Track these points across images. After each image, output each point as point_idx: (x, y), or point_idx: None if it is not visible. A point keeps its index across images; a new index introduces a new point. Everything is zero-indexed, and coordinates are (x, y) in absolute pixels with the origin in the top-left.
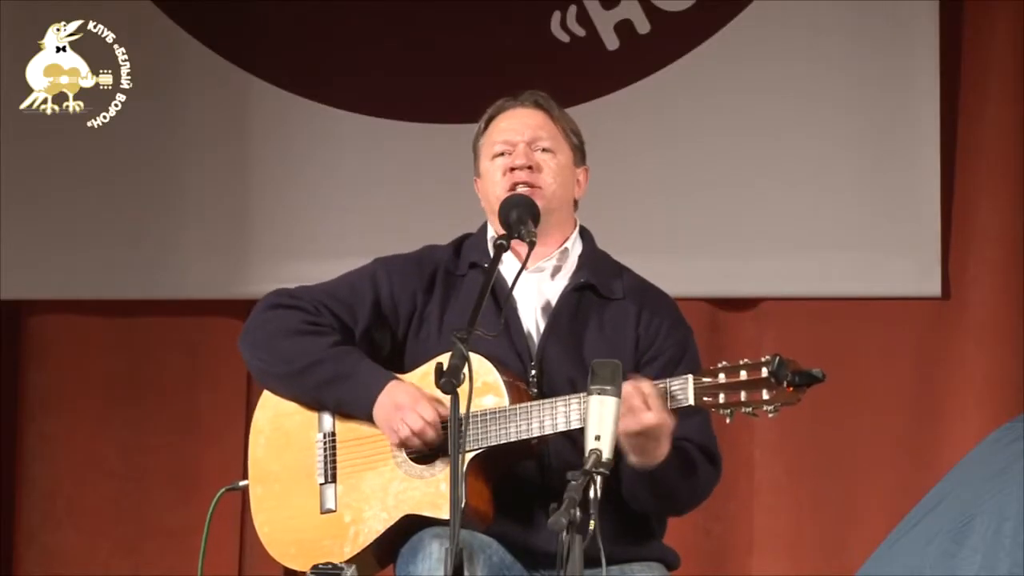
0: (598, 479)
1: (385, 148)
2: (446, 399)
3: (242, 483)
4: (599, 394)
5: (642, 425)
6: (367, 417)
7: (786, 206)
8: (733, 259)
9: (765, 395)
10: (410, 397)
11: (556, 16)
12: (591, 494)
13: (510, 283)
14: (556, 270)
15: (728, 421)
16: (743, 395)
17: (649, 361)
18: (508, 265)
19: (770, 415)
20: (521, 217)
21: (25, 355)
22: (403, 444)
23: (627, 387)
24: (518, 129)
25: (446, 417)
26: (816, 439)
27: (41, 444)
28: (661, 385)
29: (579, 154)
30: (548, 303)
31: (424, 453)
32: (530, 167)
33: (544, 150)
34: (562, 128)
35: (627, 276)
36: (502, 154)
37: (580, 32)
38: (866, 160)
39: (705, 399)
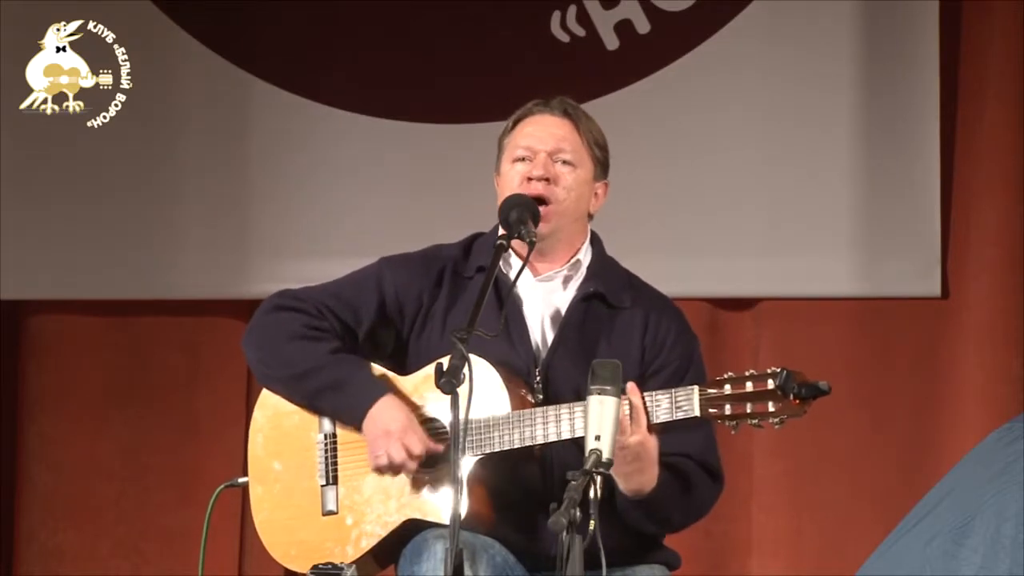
0: (598, 479)
1: (385, 148)
2: (444, 412)
3: (241, 480)
4: (599, 394)
5: (634, 442)
6: (358, 428)
7: (786, 206)
8: (733, 259)
9: (771, 407)
10: (399, 425)
11: (556, 16)
12: (591, 494)
13: (517, 286)
14: (566, 279)
15: (733, 433)
16: (749, 407)
17: (655, 372)
18: (515, 269)
19: (776, 427)
20: (521, 217)
21: (25, 355)
22: (378, 470)
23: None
24: (542, 138)
25: (433, 451)
26: (816, 439)
27: (41, 444)
28: (664, 395)
29: (600, 168)
30: (557, 312)
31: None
32: (547, 179)
33: (564, 162)
34: (587, 141)
35: (635, 285)
36: (523, 159)
37: (580, 32)
38: (866, 160)
39: (711, 410)
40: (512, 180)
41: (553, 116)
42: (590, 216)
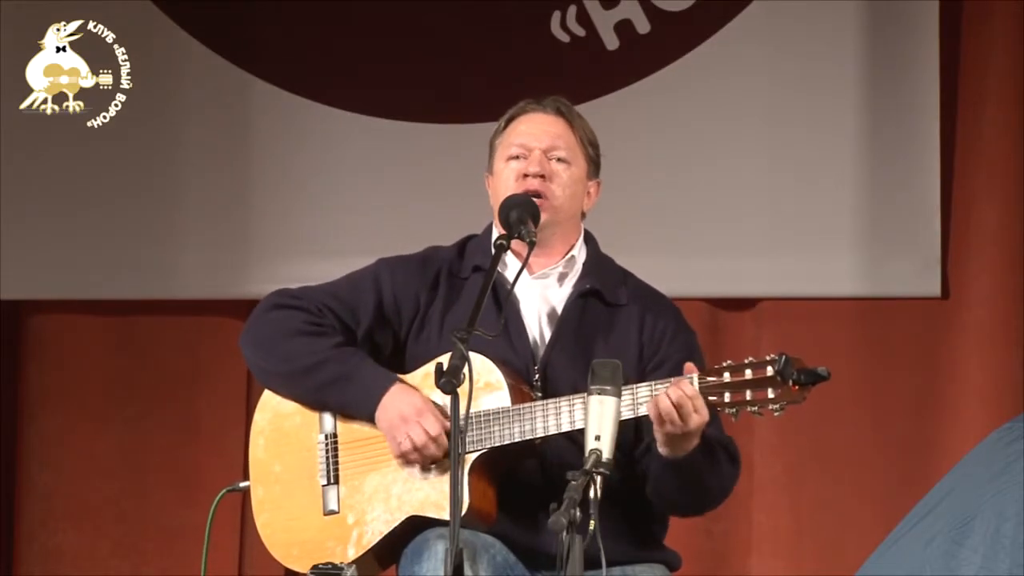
0: (598, 479)
1: (385, 148)
2: (445, 408)
3: (243, 484)
4: (599, 394)
5: (690, 428)
6: (369, 419)
7: (786, 206)
8: (733, 259)
9: (771, 394)
10: (414, 408)
11: (556, 16)
12: (591, 494)
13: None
14: (562, 277)
15: (734, 420)
16: (748, 394)
17: (655, 368)
18: (512, 268)
19: (776, 414)
20: (521, 217)
21: (25, 355)
22: (403, 456)
23: (676, 396)
24: (537, 135)
25: (448, 428)
26: (816, 439)
27: (41, 444)
28: (664, 384)
29: (593, 166)
30: (553, 310)
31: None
32: (543, 176)
33: (559, 160)
34: (580, 139)
35: (631, 282)
36: (517, 157)
37: (580, 32)
38: (866, 160)
39: (711, 398)
40: (507, 178)
41: (546, 114)
42: (583, 215)
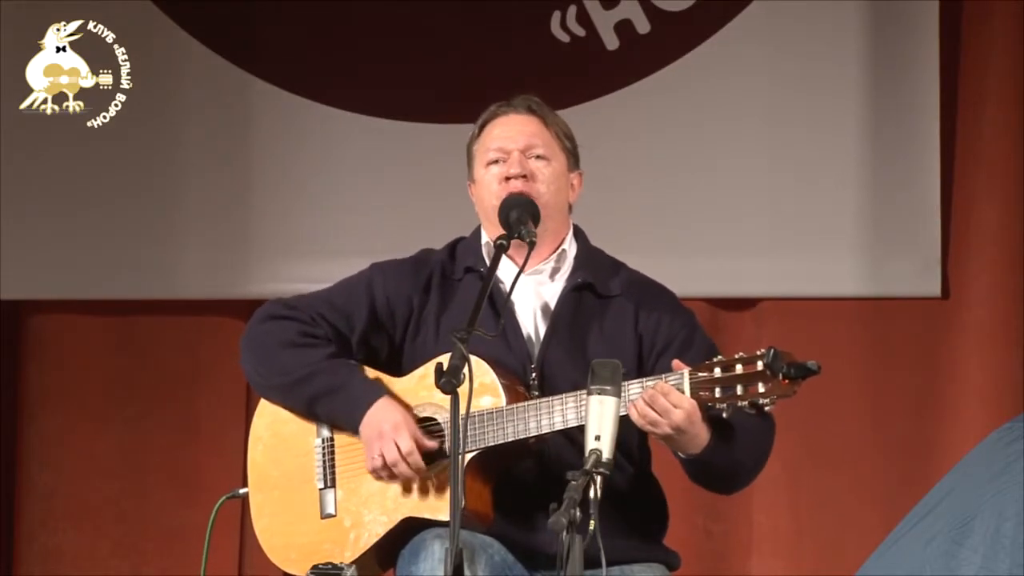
0: (598, 479)
1: (385, 148)
2: (445, 404)
3: (242, 491)
4: (599, 394)
5: (676, 424)
6: (355, 431)
7: (786, 206)
8: (733, 259)
9: (761, 388)
10: (391, 424)
11: (556, 16)
12: (591, 494)
13: (508, 285)
14: (554, 272)
15: (725, 416)
16: (739, 388)
17: (661, 352)
18: (505, 268)
19: (767, 408)
20: (521, 217)
21: (25, 355)
22: (374, 472)
23: (648, 395)
24: (512, 137)
25: (427, 448)
26: (816, 439)
27: (41, 444)
28: (655, 381)
29: (573, 159)
30: (547, 305)
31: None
32: (525, 176)
33: (538, 157)
34: (555, 134)
35: (623, 272)
36: (496, 161)
37: (580, 32)
38: (866, 160)
39: (701, 393)
40: (490, 184)
41: (518, 114)
42: (570, 208)
